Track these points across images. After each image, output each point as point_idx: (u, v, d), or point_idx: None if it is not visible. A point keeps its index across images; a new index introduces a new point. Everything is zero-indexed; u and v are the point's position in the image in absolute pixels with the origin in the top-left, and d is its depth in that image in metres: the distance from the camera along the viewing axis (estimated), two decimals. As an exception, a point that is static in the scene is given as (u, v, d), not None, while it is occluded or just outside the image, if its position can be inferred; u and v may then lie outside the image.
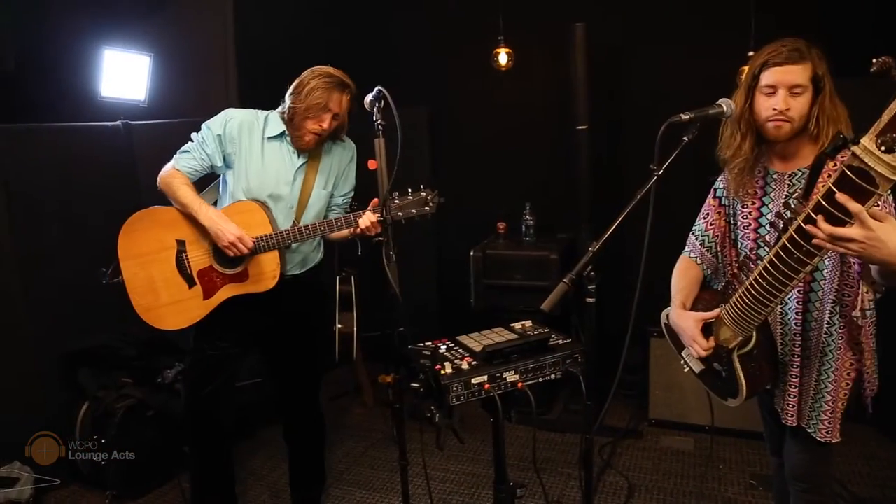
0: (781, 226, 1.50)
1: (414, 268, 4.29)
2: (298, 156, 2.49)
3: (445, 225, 4.63)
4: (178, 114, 3.54)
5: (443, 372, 1.73)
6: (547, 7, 4.03)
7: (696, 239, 2.09)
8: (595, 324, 1.93)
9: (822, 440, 1.83)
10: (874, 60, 1.32)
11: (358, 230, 2.35)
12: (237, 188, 2.45)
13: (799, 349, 1.84)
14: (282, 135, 2.46)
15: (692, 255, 2.10)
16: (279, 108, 2.47)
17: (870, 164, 1.22)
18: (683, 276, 2.08)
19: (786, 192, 1.82)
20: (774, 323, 1.89)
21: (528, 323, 2.07)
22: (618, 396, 4.03)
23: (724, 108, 1.84)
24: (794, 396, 1.86)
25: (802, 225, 1.40)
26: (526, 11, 4.05)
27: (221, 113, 2.47)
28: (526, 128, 4.31)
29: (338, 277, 3.88)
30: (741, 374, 1.84)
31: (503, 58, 4.03)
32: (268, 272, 2.44)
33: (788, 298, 1.82)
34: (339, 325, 3.83)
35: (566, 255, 3.76)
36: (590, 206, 3.58)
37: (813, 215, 1.37)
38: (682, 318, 1.95)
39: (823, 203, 1.34)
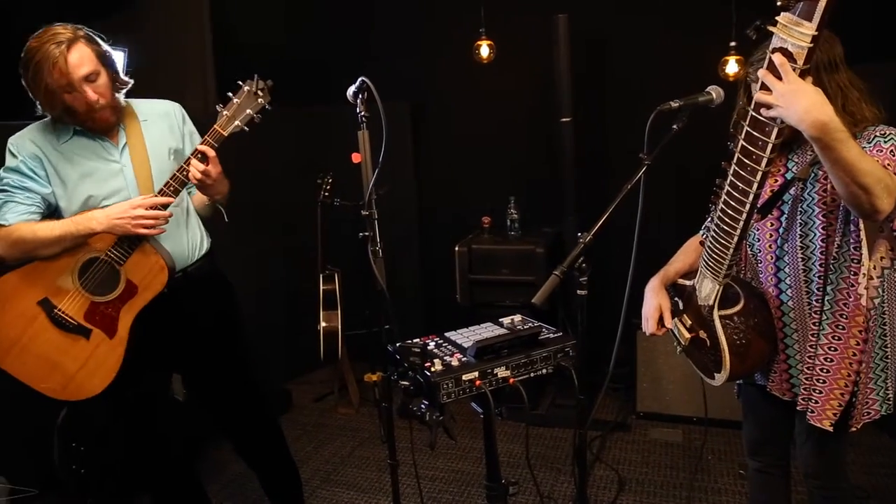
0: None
1: (398, 264, 4.25)
2: (113, 146, 2.14)
3: (430, 220, 4.60)
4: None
5: (433, 369, 1.69)
6: (528, -2, 4.00)
7: None
8: (585, 316, 1.91)
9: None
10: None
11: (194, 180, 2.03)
12: (70, 212, 2.08)
13: (826, 330, 1.69)
14: (78, 130, 2.12)
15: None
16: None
17: (783, 37, 1.23)
18: (685, 249, 2.06)
19: (809, 154, 1.70)
20: (801, 302, 1.73)
21: (518, 317, 2.03)
22: (605, 390, 4.01)
23: (714, 95, 1.83)
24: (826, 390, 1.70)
25: (753, 113, 1.41)
26: (508, 3, 4.01)
27: (7, 147, 2.09)
28: (509, 120, 4.27)
29: (321, 276, 3.84)
30: (723, 339, 1.72)
31: (485, 50, 3.99)
32: (153, 266, 2.08)
33: (812, 274, 1.68)
34: (324, 324, 3.79)
35: (552, 248, 3.73)
36: (575, 198, 3.55)
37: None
38: (652, 291, 1.98)
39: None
